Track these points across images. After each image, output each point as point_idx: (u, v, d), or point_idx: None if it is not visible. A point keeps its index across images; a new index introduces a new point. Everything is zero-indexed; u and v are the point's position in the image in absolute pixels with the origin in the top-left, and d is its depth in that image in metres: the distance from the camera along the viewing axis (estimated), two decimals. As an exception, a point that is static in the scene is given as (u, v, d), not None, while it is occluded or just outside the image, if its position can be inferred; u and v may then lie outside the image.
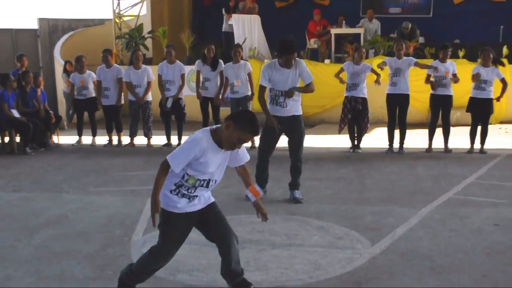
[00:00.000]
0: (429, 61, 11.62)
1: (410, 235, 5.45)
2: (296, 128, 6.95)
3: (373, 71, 10.02)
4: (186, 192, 3.85)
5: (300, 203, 6.72)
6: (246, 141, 3.82)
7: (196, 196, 3.88)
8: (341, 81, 10.19)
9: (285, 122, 6.86)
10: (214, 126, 3.90)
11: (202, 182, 3.83)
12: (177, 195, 3.85)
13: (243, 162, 4.06)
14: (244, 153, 4.03)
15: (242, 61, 10.46)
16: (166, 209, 3.88)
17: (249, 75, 10.43)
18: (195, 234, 4.39)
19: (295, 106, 6.90)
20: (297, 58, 6.77)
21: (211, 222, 3.99)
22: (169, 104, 10.67)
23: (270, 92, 6.90)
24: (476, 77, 9.65)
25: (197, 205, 3.93)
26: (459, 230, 5.61)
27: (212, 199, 4.04)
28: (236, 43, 12.87)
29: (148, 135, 11.10)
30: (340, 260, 4.81)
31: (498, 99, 9.87)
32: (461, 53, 13.77)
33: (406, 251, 5.02)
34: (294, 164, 7.03)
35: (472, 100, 9.89)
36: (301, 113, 7.00)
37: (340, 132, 10.38)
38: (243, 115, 3.85)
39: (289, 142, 7.08)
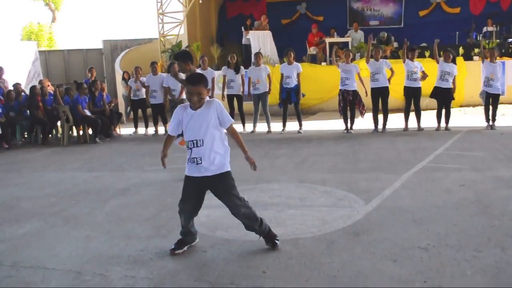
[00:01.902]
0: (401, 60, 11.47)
1: (395, 195, 5.33)
2: None
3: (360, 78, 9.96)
4: (189, 156, 3.83)
5: None
6: (192, 91, 3.71)
7: (195, 158, 3.77)
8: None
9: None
10: None
11: (192, 142, 3.78)
12: (189, 161, 3.85)
13: (227, 124, 3.86)
14: (223, 115, 3.83)
15: (262, 65, 10.48)
16: (185, 174, 3.94)
17: (268, 76, 10.50)
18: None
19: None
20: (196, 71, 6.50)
21: (219, 194, 3.92)
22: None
23: None
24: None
25: (204, 172, 3.81)
26: (432, 190, 5.47)
27: (226, 169, 3.86)
28: (257, 51, 12.80)
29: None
30: (342, 216, 4.71)
31: (453, 90, 9.72)
32: (427, 54, 13.58)
33: (393, 207, 4.89)
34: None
35: (436, 88, 9.75)
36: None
37: (340, 114, 10.20)
38: (188, 76, 4.02)
39: None
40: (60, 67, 18.41)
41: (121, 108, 15.01)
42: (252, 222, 3.95)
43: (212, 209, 4.60)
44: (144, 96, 11.30)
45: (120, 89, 15.31)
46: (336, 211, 4.88)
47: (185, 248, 4.00)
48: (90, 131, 10.77)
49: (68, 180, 6.85)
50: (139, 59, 16.43)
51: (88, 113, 10.50)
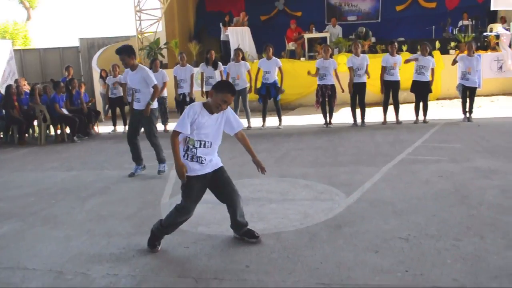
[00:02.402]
0: (380, 55, 11.58)
1: (375, 188, 5.38)
2: (145, 118, 6.50)
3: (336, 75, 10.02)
4: (191, 154, 3.79)
5: (161, 174, 6.50)
6: (228, 101, 3.73)
7: (200, 157, 3.79)
8: (315, 75, 10.12)
9: (140, 114, 6.49)
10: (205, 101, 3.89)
11: (199, 142, 3.76)
12: (187, 159, 3.79)
13: (238, 129, 3.95)
14: (236, 120, 3.94)
15: (242, 61, 10.43)
16: (186, 174, 3.83)
17: (248, 72, 10.48)
18: (209, 196, 4.31)
19: (144, 100, 6.43)
20: (142, 66, 6.46)
21: (220, 184, 3.93)
22: (188, 99, 10.55)
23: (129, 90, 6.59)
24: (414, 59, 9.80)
25: (206, 169, 3.84)
26: (412, 181, 5.53)
27: (220, 164, 3.96)
28: (236, 47, 12.80)
29: (165, 123, 10.98)
30: (324, 209, 4.73)
31: (431, 83, 9.83)
32: (404, 48, 13.70)
33: (373, 200, 4.94)
34: (151, 144, 6.64)
35: (414, 82, 9.85)
36: (152, 107, 6.49)
37: (317, 108, 10.24)
38: (220, 83, 3.88)
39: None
40: (35, 66, 18.12)
41: (99, 106, 14.86)
42: (242, 218, 4.02)
43: (194, 205, 4.57)
44: (121, 94, 11.19)
45: (98, 87, 15.16)
46: (317, 204, 4.90)
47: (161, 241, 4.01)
48: (67, 130, 10.62)
49: (47, 180, 6.76)
50: (117, 57, 16.14)
51: (65, 111, 10.36)
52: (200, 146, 3.78)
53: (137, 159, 6.70)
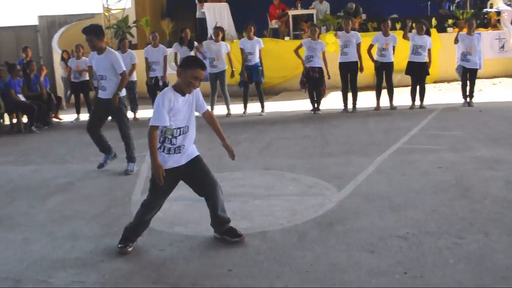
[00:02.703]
0: (372, 34, 11.59)
1: (369, 180, 5.38)
2: (114, 109, 6.34)
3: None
4: (170, 145, 3.75)
5: (129, 174, 6.30)
6: (199, 76, 3.69)
7: (180, 146, 3.76)
8: (299, 57, 10.10)
9: (106, 104, 6.30)
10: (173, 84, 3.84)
11: (177, 130, 3.73)
12: (163, 151, 3.75)
13: (205, 108, 3.96)
14: (202, 100, 3.94)
15: (222, 41, 10.35)
16: None
17: (228, 54, 10.42)
18: (187, 192, 4.27)
19: (113, 90, 6.24)
20: (111, 49, 6.30)
21: (196, 175, 3.89)
22: (161, 83, 10.43)
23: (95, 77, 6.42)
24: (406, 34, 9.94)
25: (181, 160, 3.80)
26: (409, 173, 5.55)
27: (196, 153, 3.92)
28: (214, 25, 12.72)
29: (134, 110, 10.86)
30: (313, 205, 4.72)
31: (428, 64, 9.87)
32: (398, 26, 13.76)
33: (367, 194, 4.94)
34: (124, 141, 6.49)
35: (410, 64, 9.90)
36: (121, 95, 6.31)
37: (304, 91, 10.24)
38: (187, 59, 3.82)
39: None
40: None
41: (60, 92, 14.67)
42: (223, 213, 4.00)
43: (169, 203, 4.50)
44: (86, 78, 11.02)
45: (59, 71, 14.96)
46: (306, 199, 4.89)
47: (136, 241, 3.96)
48: (25, 119, 10.45)
49: (1, 176, 6.63)
50: (80, 36, 15.95)
51: (22, 98, 10.19)
52: (179, 134, 3.75)
53: (105, 149, 6.55)
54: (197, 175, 3.88)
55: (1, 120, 10.58)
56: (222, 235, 4.02)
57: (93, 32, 6.08)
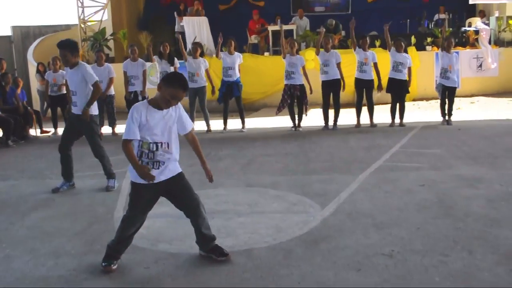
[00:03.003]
0: (351, 51, 11.74)
1: (353, 198, 5.46)
2: (83, 127, 6.28)
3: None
4: (147, 160, 3.76)
5: (110, 191, 6.25)
6: (178, 97, 3.70)
7: (158, 161, 3.77)
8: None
9: (77, 120, 6.23)
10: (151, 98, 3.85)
11: (154, 145, 3.74)
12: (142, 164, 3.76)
13: (190, 128, 3.96)
14: (187, 119, 3.95)
15: (200, 58, 10.40)
16: (134, 181, 3.82)
17: (206, 70, 10.47)
18: (169, 208, 4.28)
19: (82, 106, 6.16)
20: (82, 62, 6.23)
21: (178, 192, 3.91)
22: (140, 97, 10.40)
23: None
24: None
25: (161, 176, 3.80)
26: (392, 191, 5.65)
27: (179, 170, 3.93)
28: (193, 39, 12.78)
29: (113, 125, 10.80)
30: (297, 223, 4.77)
31: (408, 82, 10.07)
32: (377, 43, 13.97)
33: (351, 211, 5.02)
34: (98, 159, 6.44)
35: (391, 80, 10.04)
36: (92, 114, 6.23)
37: (277, 113, 10.33)
38: (170, 75, 3.78)
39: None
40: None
41: (36, 105, 14.52)
42: (208, 230, 4.02)
43: (152, 220, 4.53)
44: (63, 92, 10.95)
45: (34, 83, 14.83)
46: (290, 217, 4.94)
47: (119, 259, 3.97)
48: (0, 133, 10.32)
49: (-22, 191, 6.55)
50: (56, 48, 15.85)
51: (-3, 111, 10.08)
52: (157, 149, 3.76)
53: (67, 174, 6.41)
54: (178, 192, 3.90)
55: (-25, 134, 10.42)
56: (207, 253, 4.04)
57: (68, 47, 6.00)
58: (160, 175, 3.80)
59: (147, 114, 3.69)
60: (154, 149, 3.75)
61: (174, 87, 3.65)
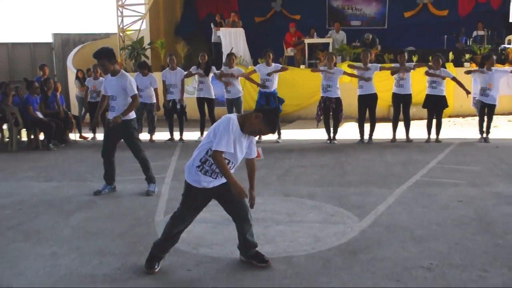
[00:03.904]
0: (388, 65, 11.76)
1: (390, 211, 5.50)
2: (122, 132, 6.42)
3: (346, 73, 10.15)
4: (209, 168, 3.83)
5: (150, 195, 6.38)
6: (264, 134, 3.86)
7: (217, 173, 3.85)
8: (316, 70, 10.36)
9: (117, 125, 6.28)
10: (239, 114, 3.91)
11: (229, 162, 3.80)
12: (201, 171, 3.86)
13: (253, 156, 4.03)
14: (255, 148, 4.04)
15: (235, 67, 10.55)
16: (190, 183, 3.92)
17: (243, 74, 10.64)
18: (209, 214, 4.40)
19: (120, 109, 6.31)
20: (124, 73, 6.42)
21: (230, 197, 3.97)
22: (178, 106, 10.60)
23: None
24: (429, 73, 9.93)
25: (216, 182, 3.91)
26: (429, 206, 5.67)
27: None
28: (229, 50, 12.97)
29: (151, 132, 10.99)
30: (336, 233, 4.84)
31: (467, 92, 10.01)
32: (414, 58, 13.90)
33: (389, 224, 5.06)
34: (139, 163, 6.58)
35: (427, 97, 10.02)
36: (129, 118, 6.36)
37: (318, 125, 10.39)
38: (272, 114, 3.81)
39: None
40: (2, 62, 18.05)
41: (74, 110, 14.86)
42: (251, 237, 4.12)
43: (192, 225, 4.63)
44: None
45: (73, 89, 15.16)
46: (328, 227, 5.01)
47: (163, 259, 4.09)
48: (41, 136, 10.61)
49: (23, 190, 6.77)
50: (95, 56, 16.19)
51: (40, 115, 10.37)
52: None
53: (110, 178, 6.60)
54: (230, 198, 3.97)
55: (19, 136, 10.72)
56: (248, 259, 4.14)
57: (104, 56, 6.16)
58: (216, 182, 3.91)
59: (237, 136, 3.74)
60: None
61: (268, 127, 3.77)
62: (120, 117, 6.26)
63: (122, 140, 6.56)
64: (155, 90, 10.65)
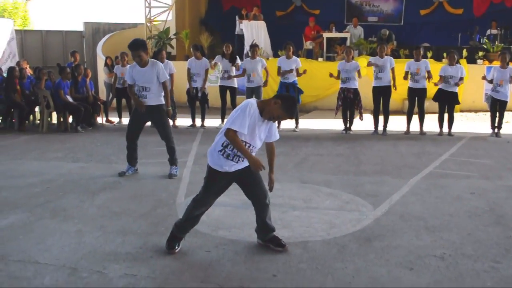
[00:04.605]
0: (403, 60, 11.56)
1: (404, 201, 5.37)
2: (156, 117, 6.43)
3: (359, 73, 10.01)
4: (230, 152, 3.74)
5: (172, 178, 6.31)
6: (282, 119, 3.76)
7: (239, 156, 3.75)
8: (337, 78, 10.10)
9: (148, 110, 6.31)
10: (259, 100, 3.82)
11: (244, 143, 3.70)
12: (223, 155, 3.76)
13: (275, 139, 3.94)
14: (276, 132, 3.93)
15: (258, 57, 10.46)
16: (212, 167, 3.83)
17: (265, 69, 10.57)
18: (228, 198, 4.30)
19: (155, 98, 6.32)
20: (154, 60, 6.36)
21: (250, 181, 3.90)
22: (200, 93, 10.54)
23: (136, 88, 6.37)
24: (440, 80, 9.67)
25: (237, 166, 3.82)
26: (442, 197, 5.52)
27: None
28: (251, 42, 12.88)
29: (173, 118, 10.93)
30: (350, 220, 4.73)
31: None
32: (429, 54, 13.68)
33: (403, 213, 4.93)
34: (167, 146, 6.48)
35: (440, 91, 9.81)
36: (162, 103, 6.39)
37: (336, 114, 10.25)
38: (290, 100, 3.75)
39: (158, 132, 6.52)
40: (37, 49, 18.12)
41: (102, 95, 14.87)
42: (270, 221, 4.04)
43: (212, 208, 4.54)
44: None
45: (102, 75, 15.17)
46: (343, 214, 4.90)
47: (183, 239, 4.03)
48: (70, 119, 10.62)
49: (52, 170, 6.75)
50: (123, 44, 16.17)
51: (70, 99, 10.36)
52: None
53: (132, 160, 6.55)
54: (251, 182, 3.89)
55: (49, 119, 10.74)
56: (265, 243, 4.05)
57: (141, 47, 6.09)
58: (238, 166, 3.82)
59: (256, 114, 3.65)
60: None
61: (287, 113, 3.69)
62: (170, 110, 6.50)
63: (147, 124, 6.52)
64: (171, 75, 10.55)
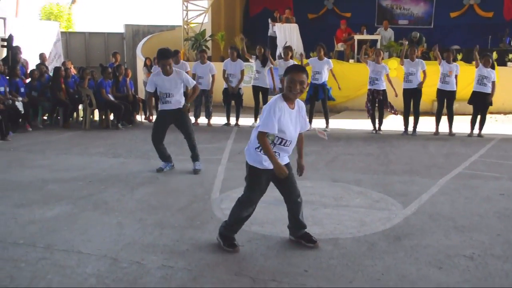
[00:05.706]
0: (433, 62, 11.35)
1: (433, 201, 5.27)
2: (179, 119, 6.44)
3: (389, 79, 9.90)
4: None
5: (197, 173, 6.38)
6: (297, 79, 3.58)
7: (275, 152, 3.72)
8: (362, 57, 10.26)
9: (171, 114, 6.39)
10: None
11: (279, 139, 3.69)
12: (261, 151, 3.73)
13: (303, 130, 3.90)
14: (306, 120, 3.90)
15: (291, 60, 10.43)
16: (252, 165, 3.80)
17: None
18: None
19: (177, 103, 6.38)
20: (177, 69, 6.34)
21: (284, 180, 3.83)
22: (235, 92, 10.60)
23: (159, 94, 6.45)
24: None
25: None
26: (472, 197, 5.41)
27: (287, 160, 3.89)
28: (284, 44, 12.84)
29: (209, 117, 10.99)
30: (380, 218, 4.67)
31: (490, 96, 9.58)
32: (459, 56, 13.44)
33: (432, 213, 4.85)
34: (189, 144, 6.54)
35: (474, 93, 9.62)
36: (182, 105, 6.44)
37: (368, 116, 10.14)
38: (287, 68, 3.73)
39: (181, 132, 6.59)
40: (80, 50, 18.48)
41: (141, 95, 15.06)
42: (302, 218, 4.02)
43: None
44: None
45: (141, 76, 15.36)
46: (373, 213, 4.84)
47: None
48: (111, 117, 10.79)
49: (94, 165, 6.88)
50: (162, 45, 16.24)
51: (111, 97, 10.53)
52: (280, 144, 3.72)
53: (165, 158, 6.61)
54: (285, 180, 3.84)
55: (92, 116, 10.94)
56: (297, 239, 4.03)
57: (173, 57, 6.18)
58: (283, 161, 3.80)
59: (283, 109, 3.63)
60: (278, 142, 3.71)
61: (291, 73, 3.62)
62: (188, 105, 6.47)
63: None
64: (213, 76, 10.62)
